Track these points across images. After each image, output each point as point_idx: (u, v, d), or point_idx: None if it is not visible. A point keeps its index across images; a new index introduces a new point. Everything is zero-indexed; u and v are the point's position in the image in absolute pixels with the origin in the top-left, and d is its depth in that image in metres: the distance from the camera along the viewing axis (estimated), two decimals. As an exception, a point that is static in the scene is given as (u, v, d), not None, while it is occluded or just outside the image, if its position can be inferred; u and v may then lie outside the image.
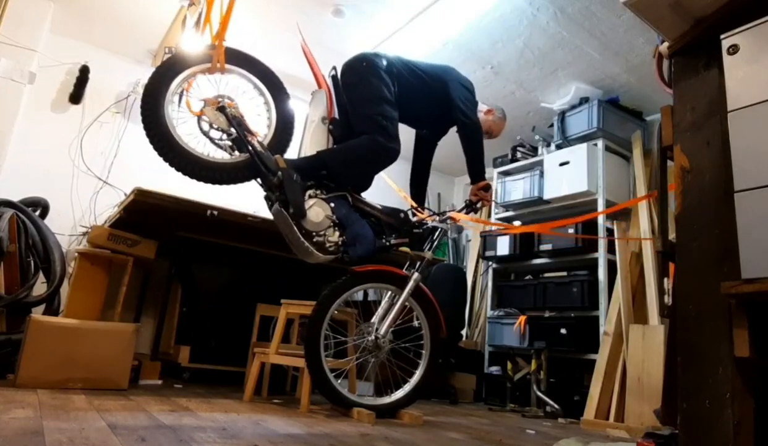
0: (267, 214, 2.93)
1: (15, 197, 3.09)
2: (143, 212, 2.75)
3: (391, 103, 2.51)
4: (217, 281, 3.77)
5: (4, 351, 2.52)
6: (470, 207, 2.76)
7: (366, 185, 2.62)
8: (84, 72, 3.82)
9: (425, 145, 3.01)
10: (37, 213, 3.21)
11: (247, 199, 3.20)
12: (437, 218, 2.64)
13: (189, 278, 3.58)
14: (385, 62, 2.59)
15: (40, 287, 2.93)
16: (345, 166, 2.44)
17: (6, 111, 3.33)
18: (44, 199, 3.35)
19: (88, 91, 3.85)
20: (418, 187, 2.97)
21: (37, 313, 2.68)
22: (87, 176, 3.79)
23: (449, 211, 2.77)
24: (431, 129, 2.95)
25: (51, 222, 3.26)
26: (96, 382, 2.35)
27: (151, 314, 3.66)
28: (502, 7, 3.22)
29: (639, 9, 1.41)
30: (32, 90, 3.52)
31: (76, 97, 3.80)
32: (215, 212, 2.71)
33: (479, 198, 2.72)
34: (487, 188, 2.72)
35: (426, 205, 2.94)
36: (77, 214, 3.72)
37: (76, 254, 3.03)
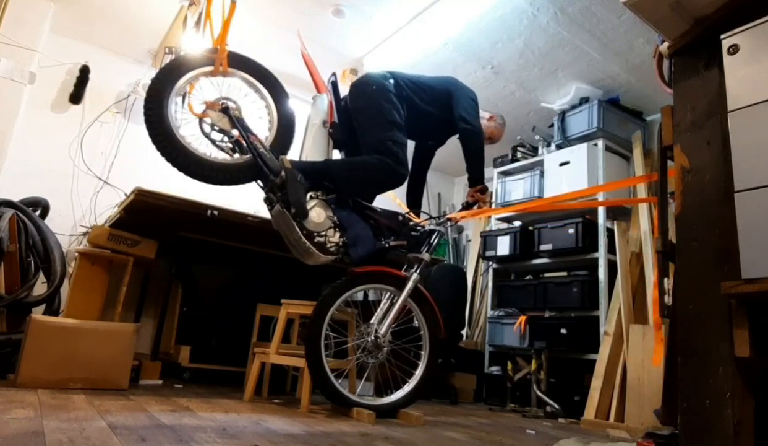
0: (267, 214, 2.94)
1: (15, 197, 3.09)
2: (143, 212, 2.76)
3: (401, 128, 2.53)
4: (217, 281, 3.77)
5: (5, 351, 2.52)
6: (467, 209, 2.80)
7: (368, 202, 2.63)
8: (84, 72, 3.82)
9: (426, 154, 3.06)
10: (37, 213, 3.21)
11: (247, 199, 3.20)
12: (434, 221, 2.66)
13: (189, 278, 3.58)
14: (393, 85, 2.60)
15: (40, 287, 2.93)
16: (350, 181, 2.45)
17: (6, 111, 3.33)
18: (44, 199, 3.35)
19: (88, 91, 3.85)
20: (415, 193, 3.02)
21: (38, 313, 2.68)
22: (87, 176, 3.79)
23: (448, 214, 2.80)
24: (435, 140, 3.00)
25: (51, 222, 3.26)
26: (96, 382, 2.35)
27: (151, 314, 3.66)
28: (502, 7, 3.22)
29: (639, 9, 1.41)
30: (32, 90, 3.52)
31: (76, 97, 3.80)
32: (215, 212, 2.71)
33: (476, 200, 2.76)
34: (484, 190, 2.75)
35: (423, 208, 2.98)
36: (77, 214, 3.72)
37: (77, 254, 3.03)
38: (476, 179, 2.71)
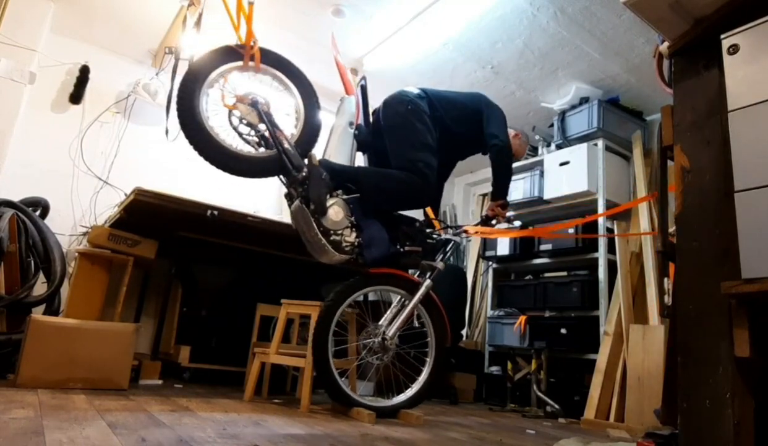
0: (267, 214, 2.94)
1: (15, 197, 3.09)
2: (143, 212, 2.75)
3: (433, 150, 2.54)
4: (218, 281, 3.76)
5: (5, 351, 2.52)
6: (486, 222, 2.81)
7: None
8: (84, 72, 3.82)
9: (447, 169, 3.05)
10: (37, 213, 3.21)
11: (247, 199, 3.21)
12: (451, 230, 2.67)
13: (189, 277, 3.58)
14: (428, 106, 2.61)
15: (40, 287, 2.93)
16: (377, 190, 2.45)
17: (6, 111, 3.32)
18: (44, 199, 3.35)
19: (88, 91, 3.84)
20: (433, 204, 3.01)
21: (38, 313, 2.68)
22: (87, 176, 3.78)
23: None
24: (461, 157, 3.02)
25: (51, 222, 3.26)
26: (96, 382, 2.35)
27: (151, 314, 3.66)
28: (502, 7, 3.22)
29: (639, 9, 1.41)
30: (32, 90, 3.52)
31: (76, 97, 3.80)
32: (215, 212, 2.71)
33: (495, 214, 2.76)
34: (505, 205, 2.76)
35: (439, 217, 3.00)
36: (77, 214, 3.72)
37: (77, 254, 3.03)
38: (500, 194, 2.72)
